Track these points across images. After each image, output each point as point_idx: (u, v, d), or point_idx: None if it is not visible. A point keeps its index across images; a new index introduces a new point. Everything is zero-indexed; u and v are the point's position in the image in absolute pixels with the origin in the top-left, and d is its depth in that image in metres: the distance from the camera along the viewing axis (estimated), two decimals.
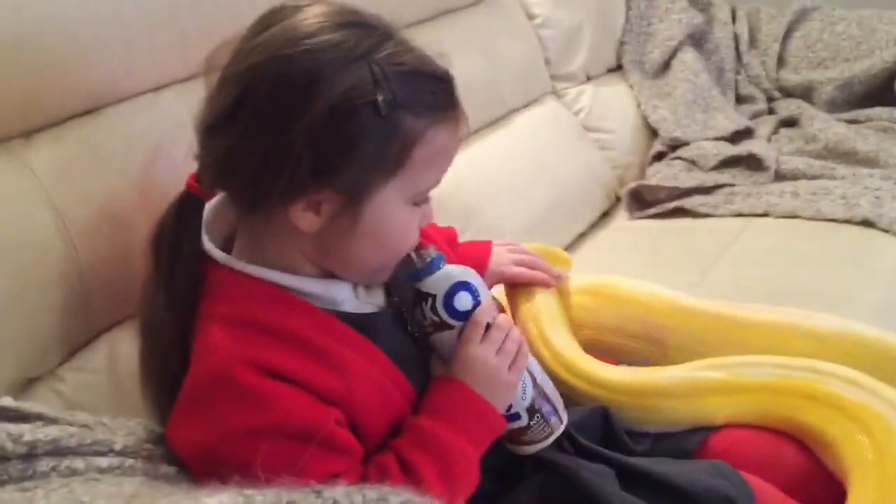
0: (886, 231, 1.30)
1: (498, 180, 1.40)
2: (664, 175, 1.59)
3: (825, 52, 1.97)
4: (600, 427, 0.85)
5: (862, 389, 0.83)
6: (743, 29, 2.04)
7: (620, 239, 1.50)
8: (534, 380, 0.79)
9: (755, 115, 1.94)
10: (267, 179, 0.68)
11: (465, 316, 0.76)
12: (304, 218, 0.70)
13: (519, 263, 0.98)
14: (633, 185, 1.58)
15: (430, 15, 1.47)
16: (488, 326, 0.76)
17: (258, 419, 0.66)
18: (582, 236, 1.54)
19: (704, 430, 0.87)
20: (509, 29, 1.60)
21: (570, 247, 1.49)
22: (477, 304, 0.76)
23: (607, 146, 1.70)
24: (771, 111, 1.95)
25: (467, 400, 0.73)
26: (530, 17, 1.68)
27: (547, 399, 0.79)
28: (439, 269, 0.76)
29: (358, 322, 0.74)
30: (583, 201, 1.53)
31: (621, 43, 1.88)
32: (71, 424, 0.67)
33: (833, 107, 1.90)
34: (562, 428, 0.79)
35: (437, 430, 0.71)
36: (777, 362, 0.88)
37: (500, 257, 0.98)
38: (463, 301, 0.76)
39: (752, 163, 1.60)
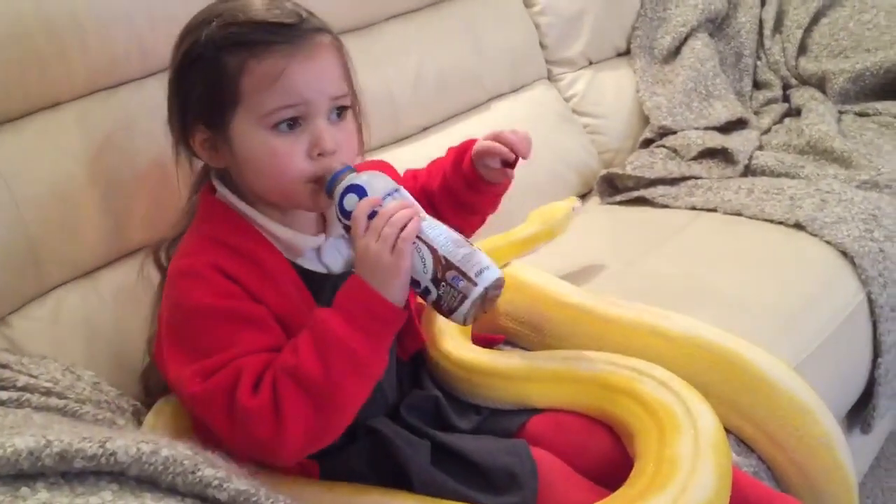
0: (815, 236, 1.35)
1: None
2: (640, 163, 1.66)
3: (847, 41, 1.95)
4: (432, 409, 0.98)
5: (669, 390, 0.93)
6: (770, 13, 2.03)
7: (581, 222, 1.57)
8: (433, 252, 0.82)
9: (769, 102, 1.95)
10: (170, 120, 0.92)
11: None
12: (204, 153, 0.90)
13: (486, 138, 0.99)
14: (604, 171, 1.66)
15: (418, 6, 1.59)
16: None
17: (211, 301, 0.83)
18: None
19: (528, 413, 0.98)
20: (500, 17, 1.68)
21: None
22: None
23: (597, 131, 1.78)
24: (786, 99, 1.97)
25: (356, 290, 0.81)
26: (528, 5, 1.76)
27: (451, 266, 0.82)
28: (340, 179, 0.85)
29: (309, 277, 0.90)
30: (551, 186, 1.62)
31: (633, 28, 1.93)
32: None
33: (846, 98, 1.89)
34: (477, 290, 0.81)
35: (321, 314, 0.81)
36: (607, 359, 0.99)
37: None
38: (350, 202, 0.83)
39: (727, 156, 1.65)
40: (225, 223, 0.90)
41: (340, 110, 0.89)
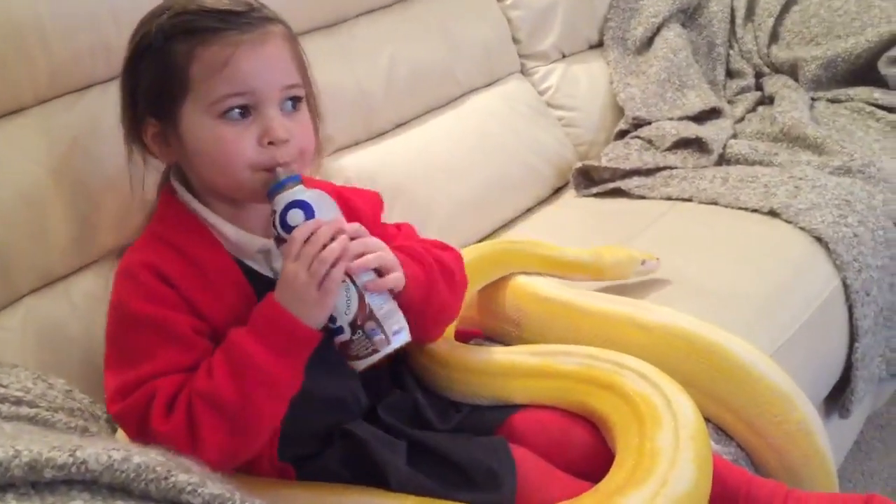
0: (790, 222, 1.35)
1: (434, 159, 1.50)
2: (615, 155, 1.66)
3: (819, 27, 1.96)
4: (410, 409, 0.96)
5: (648, 382, 0.93)
6: (741, 2, 2.04)
7: (557, 215, 1.59)
8: (361, 298, 0.82)
9: (742, 91, 1.96)
10: (122, 116, 0.92)
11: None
12: (155, 147, 0.90)
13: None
14: (579, 164, 1.66)
15: (389, 2, 1.57)
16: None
17: (139, 307, 0.84)
18: (529, 211, 1.64)
19: (509, 410, 0.97)
20: (472, 12, 1.68)
21: (512, 221, 1.60)
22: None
23: (572, 124, 1.78)
24: (759, 87, 1.98)
25: (271, 312, 0.81)
26: None
27: (373, 317, 0.82)
28: (287, 187, 0.83)
29: (258, 279, 0.89)
30: (527, 179, 1.62)
31: (605, 19, 1.93)
32: None
33: (818, 85, 1.90)
34: (388, 348, 0.83)
35: (237, 338, 0.81)
36: (587, 353, 0.99)
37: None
38: (294, 217, 0.81)
39: (702, 146, 1.65)
40: (175, 221, 0.90)
41: (294, 101, 0.88)
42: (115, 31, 1.11)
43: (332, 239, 0.81)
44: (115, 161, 1.07)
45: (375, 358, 0.84)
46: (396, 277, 0.86)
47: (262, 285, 0.87)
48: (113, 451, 0.64)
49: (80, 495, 0.62)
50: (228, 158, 0.84)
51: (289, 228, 0.82)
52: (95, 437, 0.86)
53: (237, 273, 0.88)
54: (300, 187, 0.84)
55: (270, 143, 0.85)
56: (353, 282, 0.83)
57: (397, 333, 0.84)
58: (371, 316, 0.82)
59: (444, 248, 1.01)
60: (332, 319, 0.83)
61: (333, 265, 0.80)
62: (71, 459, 0.62)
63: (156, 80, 0.87)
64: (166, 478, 0.64)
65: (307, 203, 0.82)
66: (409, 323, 0.87)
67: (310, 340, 0.82)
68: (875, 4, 1.92)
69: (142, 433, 0.80)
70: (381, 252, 0.85)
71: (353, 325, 0.82)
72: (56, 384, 0.95)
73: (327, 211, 0.84)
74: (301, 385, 0.84)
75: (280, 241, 0.83)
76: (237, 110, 0.84)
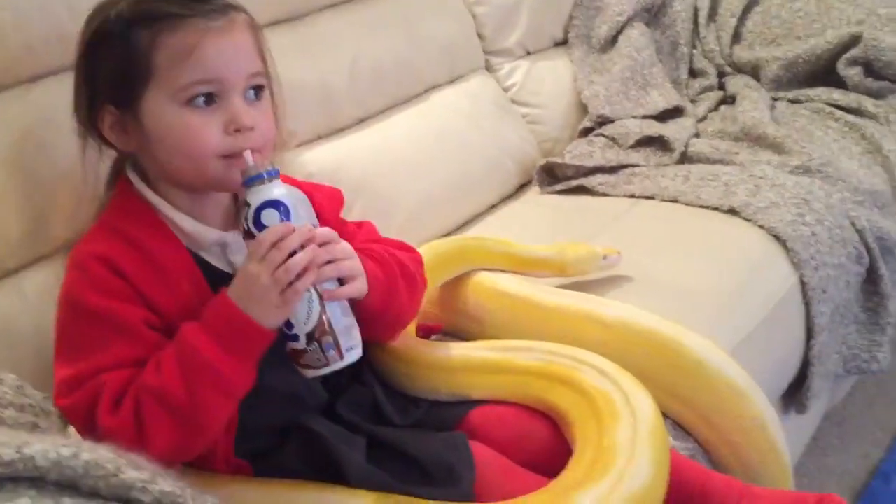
0: (749, 221, 1.37)
1: (397, 155, 1.49)
2: (579, 152, 1.67)
3: (780, 28, 1.99)
4: (369, 404, 0.96)
5: (608, 379, 0.93)
6: (704, 3, 2.06)
7: (521, 212, 1.60)
8: (322, 310, 0.82)
9: (704, 90, 1.98)
10: (76, 105, 0.90)
11: None
12: (113, 135, 0.88)
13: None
14: (543, 161, 1.66)
15: None
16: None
17: (89, 298, 0.82)
18: (493, 207, 1.64)
19: (468, 406, 0.97)
20: (436, 8, 1.67)
21: (476, 217, 1.60)
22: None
23: (536, 121, 1.78)
24: (721, 87, 1.99)
25: (224, 310, 0.80)
26: None
27: (331, 332, 0.82)
28: (265, 181, 0.81)
29: (214, 273, 0.88)
30: (491, 176, 1.62)
31: (570, 17, 1.94)
32: None
33: (779, 85, 1.93)
34: (340, 364, 0.83)
35: (188, 333, 0.80)
36: (546, 349, 0.99)
37: None
38: (269, 217, 0.80)
39: (664, 144, 1.66)
40: (129, 212, 0.88)
41: (257, 90, 0.88)
42: (70, 20, 1.09)
43: (302, 247, 0.80)
44: (68, 152, 1.05)
45: (325, 371, 0.84)
46: (358, 288, 0.86)
47: (218, 279, 0.86)
48: (61, 447, 0.63)
49: (26, 492, 0.60)
50: (195, 145, 0.84)
51: (262, 227, 0.81)
52: (45, 434, 0.84)
53: (192, 266, 0.87)
54: (277, 181, 0.83)
55: (237, 130, 0.84)
56: (319, 294, 0.82)
57: (350, 350, 0.84)
58: (330, 330, 0.82)
59: (405, 248, 1.01)
60: (288, 325, 0.82)
61: (299, 276, 0.79)
62: (17, 456, 0.61)
63: (116, 67, 0.85)
64: (115, 475, 0.63)
65: (284, 204, 0.81)
66: (366, 325, 0.88)
67: (263, 340, 0.81)
68: (835, 6, 1.95)
69: (89, 428, 0.79)
70: (347, 261, 0.85)
71: (310, 337, 0.82)
72: (6, 380, 0.93)
73: (303, 215, 0.83)
74: (256, 380, 0.83)
75: (249, 235, 0.82)
76: (202, 98, 0.84)
